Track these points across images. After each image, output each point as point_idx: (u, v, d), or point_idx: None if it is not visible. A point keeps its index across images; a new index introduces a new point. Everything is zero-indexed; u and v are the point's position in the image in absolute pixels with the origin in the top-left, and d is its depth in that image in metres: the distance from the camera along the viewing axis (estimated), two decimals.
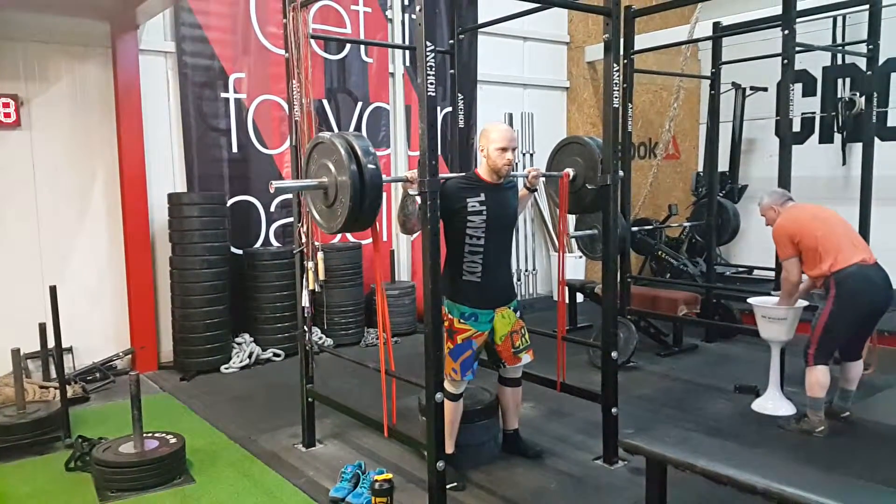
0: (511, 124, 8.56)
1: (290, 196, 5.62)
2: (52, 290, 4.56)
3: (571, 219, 8.83)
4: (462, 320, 3.82)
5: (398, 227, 3.84)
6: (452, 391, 3.80)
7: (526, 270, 9.02)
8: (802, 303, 4.96)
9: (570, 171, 4.34)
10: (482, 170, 3.86)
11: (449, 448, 3.79)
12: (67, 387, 4.89)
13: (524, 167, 8.70)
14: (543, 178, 4.25)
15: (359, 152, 3.27)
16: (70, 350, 5.93)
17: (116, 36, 6.01)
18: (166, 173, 6.47)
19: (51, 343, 4.73)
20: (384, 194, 3.48)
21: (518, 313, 4.08)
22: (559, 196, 4.41)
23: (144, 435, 4.08)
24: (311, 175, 3.52)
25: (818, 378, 4.52)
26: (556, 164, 4.51)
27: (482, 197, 3.78)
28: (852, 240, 4.64)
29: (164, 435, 4.21)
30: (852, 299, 4.46)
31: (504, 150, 3.74)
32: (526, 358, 4.11)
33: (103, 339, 6.23)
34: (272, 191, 3.41)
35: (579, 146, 4.39)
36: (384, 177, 3.40)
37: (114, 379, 5.96)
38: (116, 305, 6.32)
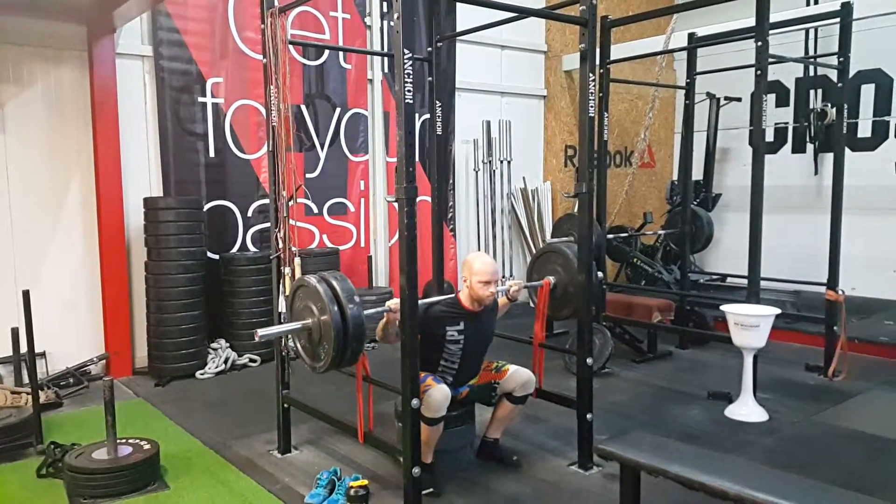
0: (489, 132, 8.61)
1: (266, 201, 5.59)
2: (26, 294, 4.52)
3: (548, 227, 8.92)
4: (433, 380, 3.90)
5: (376, 333, 3.98)
6: (429, 417, 3.73)
7: (503, 277, 9.05)
8: (775, 310, 5.02)
9: (550, 280, 4.58)
10: (464, 297, 4.02)
11: (426, 459, 3.80)
12: (40, 392, 4.84)
13: (502, 174, 8.75)
14: (525, 289, 4.46)
15: (343, 301, 3.37)
16: (43, 355, 5.87)
17: (93, 39, 5.97)
18: (142, 177, 6.43)
19: (24, 348, 4.68)
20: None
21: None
22: (538, 302, 4.63)
23: (118, 441, 4.05)
24: (296, 312, 3.64)
25: None
26: (537, 270, 4.76)
27: (461, 326, 3.97)
28: None
29: (138, 441, 4.17)
30: None
31: (487, 283, 3.90)
32: (512, 367, 4.18)
33: (77, 343, 6.17)
34: (257, 339, 3.50)
35: (558, 255, 4.60)
36: (366, 312, 3.54)
37: (87, 384, 5.90)
38: (91, 310, 6.27)
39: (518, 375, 4.15)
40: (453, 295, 4.09)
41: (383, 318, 3.85)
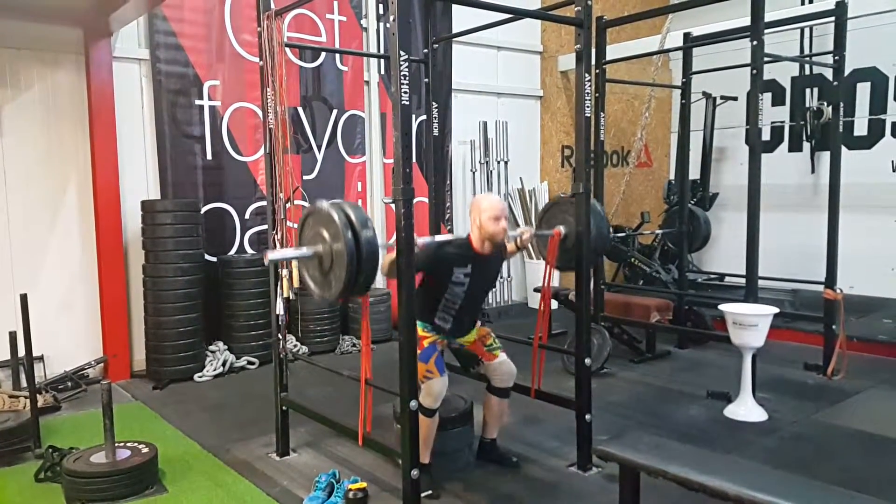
0: (486, 133, 8.62)
1: (264, 203, 5.60)
2: (23, 298, 4.51)
3: None
4: (425, 330, 3.93)
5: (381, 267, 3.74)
6: (428, 406, 3.76)
7: (501, 277, 9.05)
8: (773, 309, 5.02)
9: (561, 229, 4.43)
10: (475, 239, 3.95)
11: (424, 459, 3.79)
12: (38, 396, 4.83)
13: (499, 175, 8.75)
14: (535, 238, 4.38)
15: (356, 226, 3.27)
16: (41, 359, 5.85)
17: (90, 43, 5.96)
18: (140, 180, 6.43)
19: (21, 351, 4.67)
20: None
21: (480, 323, 4.24)
22: (548, 252, 4.50)
23: (116, 444, 4.04)
24: (306, 241, 3.52)
25: None
26: (547, 221, 4.62)
27: (468, 269, 3.92)
28: None
29: (136, 444, 4.17)
30: None
31: (497, 218, 3.86)
32: (502, 356, 4.16)
33: (75, 347, 6.16)
34: (266, 263, 3.50)
35: (569, 206, 4.45)
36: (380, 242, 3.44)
37: (86, 388, 5.89)
38: (89, 313, 6.26)
39: (500, 367, 4.14)
40: (465, 236, 4.02)
41: (392, 253, 3.63)
